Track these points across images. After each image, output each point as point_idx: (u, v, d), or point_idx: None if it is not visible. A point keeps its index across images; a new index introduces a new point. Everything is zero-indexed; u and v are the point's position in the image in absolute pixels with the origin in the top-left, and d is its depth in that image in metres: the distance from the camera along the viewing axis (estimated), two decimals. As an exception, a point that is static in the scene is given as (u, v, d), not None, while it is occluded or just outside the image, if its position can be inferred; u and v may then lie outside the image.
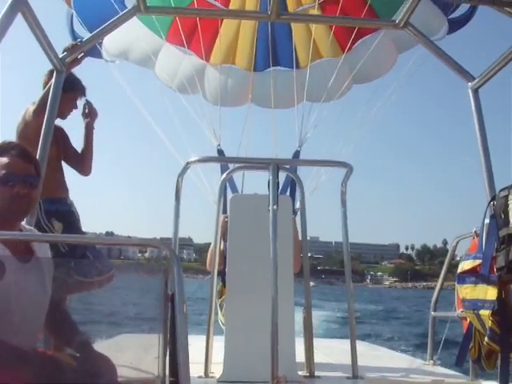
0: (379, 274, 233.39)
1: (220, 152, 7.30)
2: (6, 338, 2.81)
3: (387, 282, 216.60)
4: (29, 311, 2.95)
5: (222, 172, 6.62)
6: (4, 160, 3.08)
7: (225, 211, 6.24)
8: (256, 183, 5.87)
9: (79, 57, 4.71)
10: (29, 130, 4.81)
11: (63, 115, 5.22)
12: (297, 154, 7.29)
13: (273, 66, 8.08)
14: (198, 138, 7.76)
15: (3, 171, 3.05)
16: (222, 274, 5.37)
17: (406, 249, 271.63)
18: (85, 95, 5.31)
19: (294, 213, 5.10)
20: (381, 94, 7.32)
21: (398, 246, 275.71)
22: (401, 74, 7.16)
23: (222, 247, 5.80)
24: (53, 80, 4.47)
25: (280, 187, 4.44)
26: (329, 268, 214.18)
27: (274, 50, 7.98)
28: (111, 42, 7.20)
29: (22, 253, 3.00)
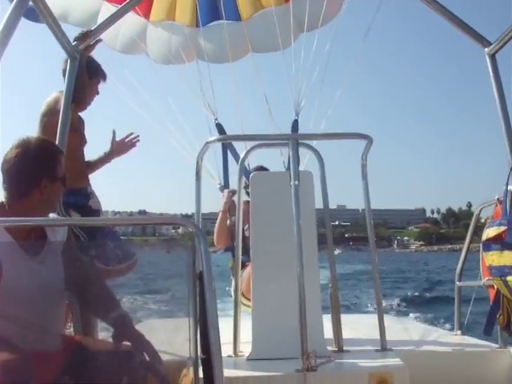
0: (405, 238, 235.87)
1: (218, 126, 7.27)
2: (28, 323, 2.85)
3: (413, 247, 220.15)
4: (47, 296, 2.98)
5: (224, 149, 6.62)
6: (62, 160, 3.22)
7: (227, 186, 6.24)
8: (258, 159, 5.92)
9: (92, 43, 4.70)
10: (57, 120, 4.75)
11: (88, 103, 5.19)
12: (295, 124, 7.26)
13: (214, 20, 8.06)
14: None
15: (63, 171, 3.20)
16: (231, 250, 5.38)
17: (432, 213, 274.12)
18: (105, 80, 5.28)
19: None
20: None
21: (424, 211, 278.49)
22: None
23: (228, 222, 5.81)
24: (68, 67, 4.47)
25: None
26: (356, 235, 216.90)
27: (214, 4, 7.93)
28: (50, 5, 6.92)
29: (35, 240, 3.04)
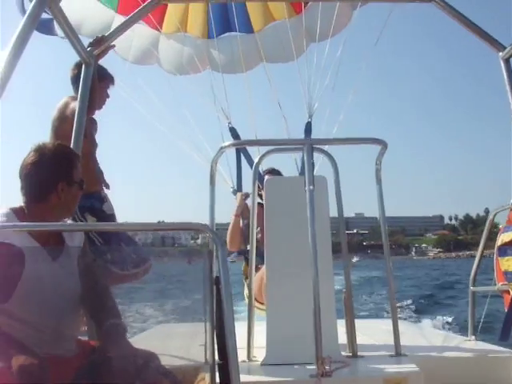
0: (423, 245, 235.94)
1: (232, 130, 7.30)
2: (45, 328, 2.86)
3: (431, 254, 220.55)
4: (64, 301, 2.99)
5: (238, 154, 6.64)
6: (79, 165, 3.26)
7: (240, 189, 6.23)
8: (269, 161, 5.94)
9: (104, 48, 4.72)
10: (69, 125, 4.77)
11: (100, 106, 5.23)
12: (309, 126, 7.28)
13: (225, 32, 8.17)
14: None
15: (80, 175, 3.23)
16: (244, 254, 5.37)
17: (450, 219, 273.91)
18: (113, 83, 5.32)
19: None
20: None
21: (441, 218, 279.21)
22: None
23: (241, 225, 5.80)
24: (82, 74, 4.49)
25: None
26: (374, 243, 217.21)
27: (226, 16, 8.01)
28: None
29: (52, 244, 3.06)
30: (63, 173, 3.14)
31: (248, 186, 4.55)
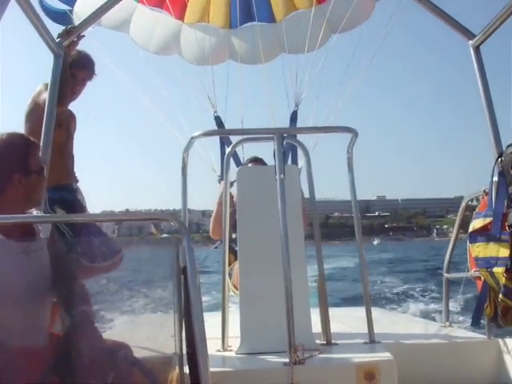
0: (445, 227, 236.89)
1: (217, 119, 7.32)
2: (15, 321, 2.84)
3: None
4: (33, 293, 2.97)
5: (222, 142, 6.63)
6: (37, 152, 3.21)
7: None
8: (257, 151, 5.91)
9: (75, 39, 4.67)
10: (38, 115, 4.69)
11: (73, 98, 5.18)
12: (294, 115, 7.30)
13: (248, 21, 8.09)
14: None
15: (39, 163, 3.17)
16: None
17: (471, 200, 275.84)
18: (91, 77, 5.25)
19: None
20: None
21: (463, 199, 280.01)
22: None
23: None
24: (52, 65, 4.45)
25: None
26: (396, 225, 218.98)
27: (248, 6, 7.96)
28: (83, 9, 6.81)
29: (22, 237, 3.02)
30: (17, 163, 3.08)
31: (234, 174, 4.53)
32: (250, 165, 5.78)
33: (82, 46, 4.94)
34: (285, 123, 7.31)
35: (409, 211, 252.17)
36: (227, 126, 7.44)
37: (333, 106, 6.89)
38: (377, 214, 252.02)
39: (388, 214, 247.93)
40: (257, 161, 5.78)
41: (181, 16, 7.85)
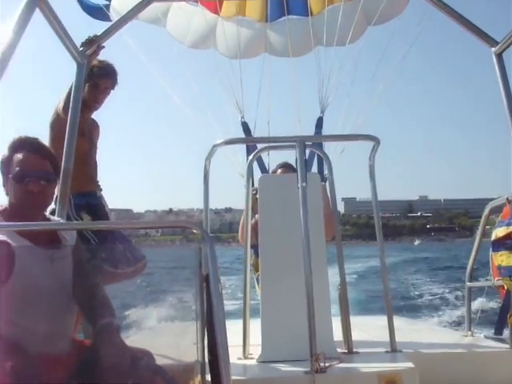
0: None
1: (244, 124, 7.32)
2: (39, 327, 2.86)
3: None
4: (58, 300, 2.99)
5: (247, 148, 6.63)
6: (19, 156, 3.09)
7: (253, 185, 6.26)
8: (286, 157, 5.90)
9: (96, 49, 4.69)
10: (60, 123, 4.78)
11: (96, 107, 5.24)
12: (320, 121, 7.25)
13: (284, 15, 8.05)
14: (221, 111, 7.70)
15: (17, 168, 3.06)
16: (255, 248, 5.36)
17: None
18: (113, 86, 5.28)
19: (324, 180, 5.06)
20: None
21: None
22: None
23: (252, 221, 5.83)
24: (75, 73, 4.49)
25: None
26: (438, 226, 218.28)
27: None
28: (121, 4, 6.92)
29: (47, 244, 3.03)
30: (4, 168, 3.11)
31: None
32: (279, 170, 5.75)
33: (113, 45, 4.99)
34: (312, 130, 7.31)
35: (451, 212, 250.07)
36: (255, 129, 7.44)
37: (362, 107, 6.88)
38: (419, 214, 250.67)
39: (430, 214, 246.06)
40: (286, 166, 5.76)
41: (217, 10, 7.86)
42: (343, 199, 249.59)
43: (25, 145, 3.14)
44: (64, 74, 5.30)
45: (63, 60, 4.82)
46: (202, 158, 4.37)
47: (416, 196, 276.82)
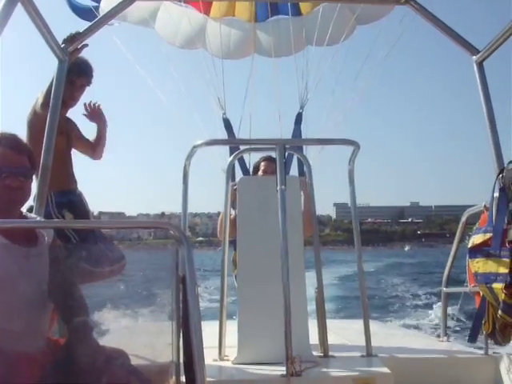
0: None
1: (225, 121, 7.32)
2: (13, 327, 2.83)
3: None
4: (33, 298, 2.96)
5: (231, 149, 6.64)
6: None
7: (233, 179, 6.25)
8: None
9: (79, 46, 4.67)
10: (38, 120, 4.76)
11: (72, 104, 5.21)
12: (299, 117, 7.32)
13: (273, 15, 8.11)
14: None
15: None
16: (235, 243, 5.36)
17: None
18: (89, 83, 5.27)
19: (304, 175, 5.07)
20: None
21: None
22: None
23: (232, 216, 5.84)
24: (56, 70, 4.45)
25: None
26: (429, 231, 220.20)
27: None
28: (109, 6, 6.92)
29: (24, 242, 3.00)
30: None
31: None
32: (262, 163, 5.75)
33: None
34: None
35: (442, 218, 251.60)
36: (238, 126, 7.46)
37: (343, 104, 6.91)
38: (410, 220, 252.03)
39: (421, 220, 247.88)
40: (269, 160, 5.76)
41: (207, 10, 7.87)
42: (335, 204, 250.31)
43: (2, 140, 3.11)
44: (46, 71, 5.27)
45: (45, 56, 4.78)
46: (194, 162, 4.36)
47: (407, 202, 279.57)
